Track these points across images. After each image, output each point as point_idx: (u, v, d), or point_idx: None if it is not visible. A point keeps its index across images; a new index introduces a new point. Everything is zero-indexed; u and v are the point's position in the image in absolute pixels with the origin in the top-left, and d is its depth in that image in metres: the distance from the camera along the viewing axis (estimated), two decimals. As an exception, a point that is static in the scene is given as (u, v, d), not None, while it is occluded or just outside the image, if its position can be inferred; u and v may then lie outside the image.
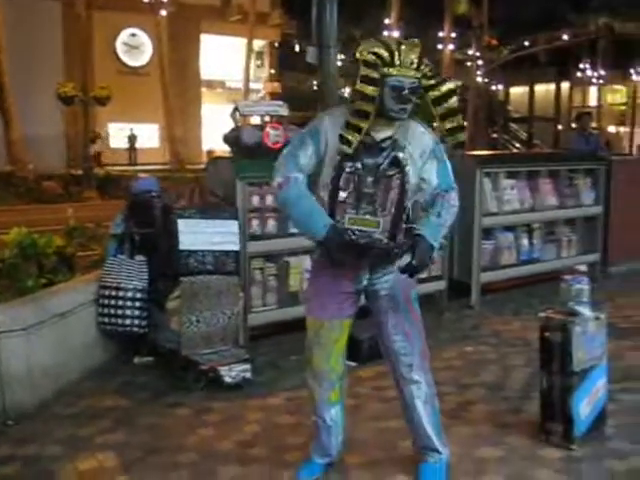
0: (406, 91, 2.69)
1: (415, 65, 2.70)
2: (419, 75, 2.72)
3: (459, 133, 2.82)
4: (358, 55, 2.71)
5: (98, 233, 6.66)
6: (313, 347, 2.99)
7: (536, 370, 3.58)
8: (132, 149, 30.16)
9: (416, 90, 2.74)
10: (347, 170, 2.77)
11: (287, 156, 2.85)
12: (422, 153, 2.82)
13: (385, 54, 2.66)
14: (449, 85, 2.79)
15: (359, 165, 2.77)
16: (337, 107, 2.97)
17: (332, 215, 2.77)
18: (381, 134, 2.79)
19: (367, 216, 2.77)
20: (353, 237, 2.72)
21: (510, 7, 36.02)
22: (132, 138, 30.22)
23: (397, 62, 2.67)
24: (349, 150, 2.71)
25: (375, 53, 2.67)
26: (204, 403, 4.00)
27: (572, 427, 3.33)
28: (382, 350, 3.05)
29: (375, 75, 2.67)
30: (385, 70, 2.67)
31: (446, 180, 2.90)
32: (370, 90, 2.68)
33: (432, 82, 2.77)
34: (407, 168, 2.78)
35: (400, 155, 2.78)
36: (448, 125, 2.78)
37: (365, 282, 2.93)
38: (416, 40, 2.74)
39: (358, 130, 2.70)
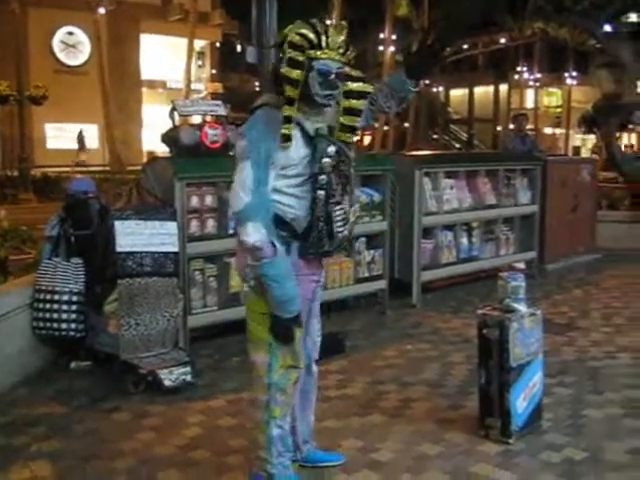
0: (333, 76, 2.64)
1: (342, 50, 2.67)
2: (345, 60, 2.69)
3: (349, 133, 2.79)
4: (285, 37, 2.65)
5: (33, 235, 6.46)
6: (298, 350, 2.80)
7: (475, 367, 3.63)
8: (82, 149, 29.00)
9: (342, 75, 2.69)
10: (329, 163, 2.68)
11: (253, 200, 2.58)
12: None
13: (312, 36, 2.60)
14: (366, 87, 2.81)
15: (344, 157, 2.74)
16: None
17: (327, 214, 2.69)
18: (318, 125, 2.72)
19: (354, 205, 2.84)
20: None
21: (448, 10, 36.64)
22: (81, 138, 29.16)
23: (324, 45, 2.62)
24: (287, 145, 2.60)
25: (302, 35, 2.60)
26: (144, 407, 3.93)
27: (510, 422, 3.39)
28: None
29: (301, 58, 2.61)
30: (312, 53, 2.61)
31: None
32: (295, 74, 2.60)
33: (352, 74, 2.75)
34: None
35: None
36: (345, 122, 2.77)
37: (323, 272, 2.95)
38: (343, 22, 2.72)
39: (288, 120, 2.61)
